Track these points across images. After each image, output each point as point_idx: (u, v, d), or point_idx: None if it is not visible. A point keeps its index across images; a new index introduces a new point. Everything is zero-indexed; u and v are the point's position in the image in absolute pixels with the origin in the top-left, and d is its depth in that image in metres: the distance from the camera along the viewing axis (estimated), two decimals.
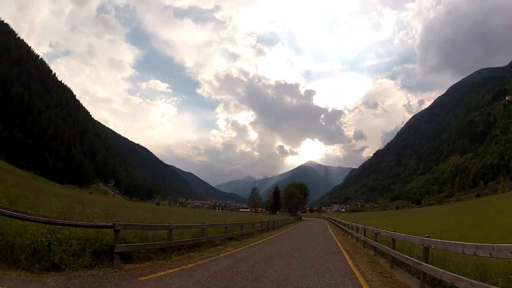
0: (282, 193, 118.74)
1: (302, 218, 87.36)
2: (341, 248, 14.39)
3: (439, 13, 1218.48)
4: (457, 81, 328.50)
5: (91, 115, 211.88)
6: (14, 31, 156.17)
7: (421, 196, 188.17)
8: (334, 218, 51.65)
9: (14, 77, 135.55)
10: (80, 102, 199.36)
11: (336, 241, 18.66)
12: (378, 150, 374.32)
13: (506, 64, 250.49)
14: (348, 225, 24.78)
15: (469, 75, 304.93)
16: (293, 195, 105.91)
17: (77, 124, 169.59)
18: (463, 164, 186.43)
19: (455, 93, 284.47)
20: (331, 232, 28.26)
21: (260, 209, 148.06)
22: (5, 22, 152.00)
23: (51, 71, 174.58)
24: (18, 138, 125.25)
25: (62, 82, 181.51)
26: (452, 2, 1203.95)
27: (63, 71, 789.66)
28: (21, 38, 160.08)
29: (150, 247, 8.91)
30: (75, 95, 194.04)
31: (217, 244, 13.68)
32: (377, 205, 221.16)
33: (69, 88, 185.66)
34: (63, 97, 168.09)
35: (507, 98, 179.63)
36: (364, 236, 15.09)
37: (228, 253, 11.48)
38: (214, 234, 14.00)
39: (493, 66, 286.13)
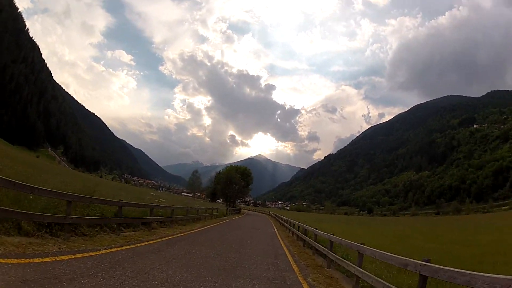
0: (219, 177, 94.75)
1: (242, 210, 76.82)
2: None
3: (419, 34, 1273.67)
4: (423, 101, 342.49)
5: (52, 76, 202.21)
6: None
7: (372, 205, 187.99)
8: (281, 216, 38.40)
9: None
10: (45, 61, 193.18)
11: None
12: (330, 154, 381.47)
13: (480, 96, 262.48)
14: (312, 234, 13.85)
15: (437, 98, 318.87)
16: (233, 180, 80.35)
17: (38, 83, 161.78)
18: (418, 180, 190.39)
19: (418, 112, 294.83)
20: (284, 247, 14.27)
21: (202, 195, 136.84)
22: None
23: (25, 26, 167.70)
24: None
25: (33, 38, 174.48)
26: (436, 27, 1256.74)
27: (38, 28, 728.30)
28: None
29: None
30: (41, 54, 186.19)
31: None
32: (322, 207, 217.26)
33: (37, 46, 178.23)
34: (30, 54, 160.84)
35: (475, 126, 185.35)
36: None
37: None
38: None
39: (464, 95, 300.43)
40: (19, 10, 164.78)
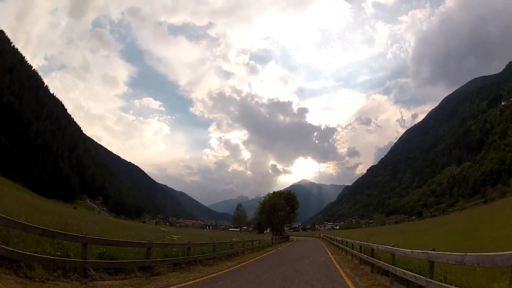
0: (263, 206, 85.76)
1: (291, 237, 73.11)
2: None
3: (432, 24, 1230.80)
4: (451, 92, 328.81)
5: (82, 130, 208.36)
6: (9, 39, 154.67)
7: (421, 208, 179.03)
8: (334, 237, 36.71)
9: (6, 85, 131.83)
10: (72, 116, 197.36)
11: None
12: (372, 166, 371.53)
13: (500, 71, 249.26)
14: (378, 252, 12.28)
15: (462, 85, 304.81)
16: (277, 207, 74.80)
17: (66, 138, 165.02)
18: (460, 173, 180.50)
19: (448, 104, 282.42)
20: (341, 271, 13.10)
21: (250, 228, 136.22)
22: (0, 29, 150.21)
23: (43, 83, 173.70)
24: (5, 147, 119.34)
25: (54, 95, 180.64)
26: (445, 12, 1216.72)
27: (57, 84, 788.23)
28: (15, 47, 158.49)
29: None
30: (66, 109, 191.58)
31: None
32: (372, 221, 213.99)
33: (61, 102, 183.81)
34: (54, 110, 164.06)
35: (503, 103, 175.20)
36: None
37: None
38: None
39: (486, 74, 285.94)
40: (33, 68, 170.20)
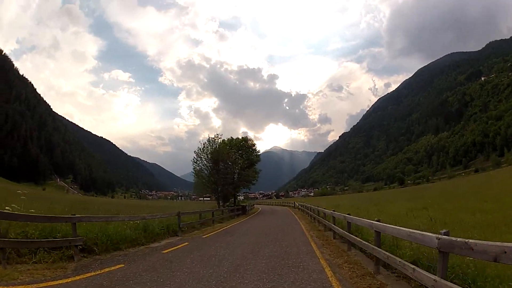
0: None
1: (255, 206, 58.27)
2: None
3: None
4: (425, 64, 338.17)
5: (52, 109, 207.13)
6: None
7: (403, 175, 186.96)
8: (314, 208, 21.78)
9: None
10: (42, 96, 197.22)
11: None
12: (344, 132, 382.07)
13: (480, 49, 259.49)
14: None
15: (438, 59, 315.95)
16: (224, 159, 39.10)
17: (36, 118, 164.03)
18: (438, 143, 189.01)
19: (423, 75, 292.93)
20: None
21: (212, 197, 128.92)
22: None
23: (13, 65, 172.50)
24: None
25: (24, 75, 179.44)
26: None
27: (29, 66, 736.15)
28: None
29: None
30: (35, 89, 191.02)
31: None
32: (347, 187, 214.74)
33: (30, 82, 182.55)
34: (23, 91, 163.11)
35: (482, 78, 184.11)
36: None
37: None
38: None
39: (464, 51, 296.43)
40: (4, 53, 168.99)
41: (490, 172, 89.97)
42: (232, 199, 44.16)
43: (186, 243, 11.20)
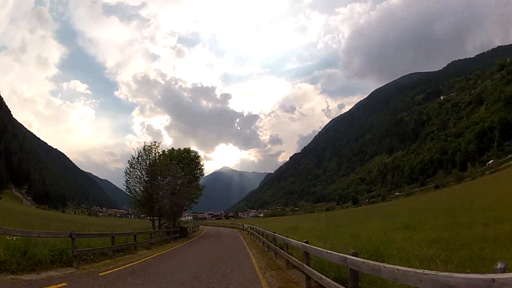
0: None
1: (200, 228, 55.81)
2: None
3: (371, 18, 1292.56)
4: (381, 85, 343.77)
5: (12, 115, 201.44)
6: None
7: (356, 195, 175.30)
8: (265, 232, 18.55)
9: None
10: (4, 100, 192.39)
11: None
12: (295, 153, 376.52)
13: (440, 69, 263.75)
14: None
15: (395, 79, 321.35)
16: (162, 173, 32.17)
17: None
18: (393, 162, 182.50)
19: (378, 96, 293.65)
20: None
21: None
22: None
23: None
24: None
25: None
26: (388, 8, 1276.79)
27: None
28: None
29: None
30: None
31: None
32: (297, 208, 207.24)
33: None
34: None
35: (441, 97, 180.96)
36: None
37: None
38: None
39: (423, 71, 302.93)
40: None
41: (455, 186, 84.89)
42: (172, 220, 37.83)
43: (62, 284, 7.81)
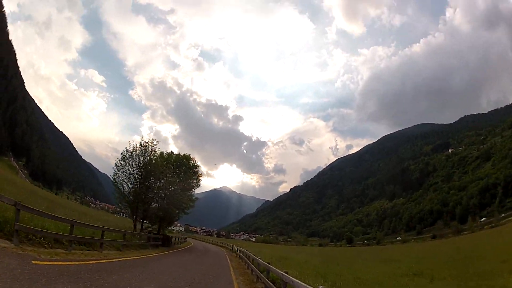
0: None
1: (188, 240, 55.60)
2: None
3: (391, 63, 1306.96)
4: (392, 132, 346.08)
5: (24, 86, 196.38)
6: None
7: (351, 235, 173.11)
8: (258, 260, 15.32)
9: None
10: (20, 70, 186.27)
11: None
12: (296, 185, 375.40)
13: (452, 122, 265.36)
14: None
15: (407, 128, 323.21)
16: (156, 174, 30.97)
17: (9, 89, 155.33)
18: (393, 208, 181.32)
19: (387, 142, 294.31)
20: None
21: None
22: None
23: (7, 26, 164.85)
24: None
25: (11, 41, 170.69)
26: (409, 56, 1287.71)
27: (19, 35, 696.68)
28: None
29: None
30: (17, 59, 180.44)
31: None
32: (290, 239, 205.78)
33: (14, 50, 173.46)
34: (5, 57, 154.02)
35: (450, 150, 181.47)
36: None
37: None
38: None
39: (435, 122, 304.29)
40: (4, 10, 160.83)
41: (454, 238, 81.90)
42: (157, 226, 36.27)
43: None
